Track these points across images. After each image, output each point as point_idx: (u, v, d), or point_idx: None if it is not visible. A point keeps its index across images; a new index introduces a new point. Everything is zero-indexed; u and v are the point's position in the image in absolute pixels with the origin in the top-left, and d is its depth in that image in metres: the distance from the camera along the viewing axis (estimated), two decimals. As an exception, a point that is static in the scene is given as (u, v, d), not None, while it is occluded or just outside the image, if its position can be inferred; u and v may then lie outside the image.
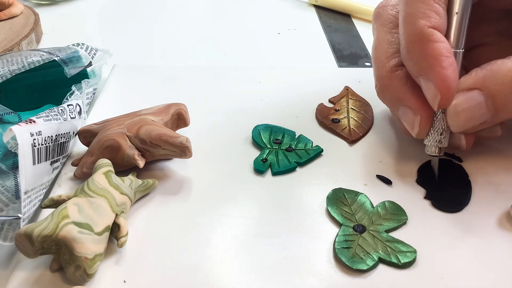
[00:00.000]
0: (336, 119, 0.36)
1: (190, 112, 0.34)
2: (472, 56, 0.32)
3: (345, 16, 0.58)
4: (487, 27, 0.33)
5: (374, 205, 0.29)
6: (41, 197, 0.30)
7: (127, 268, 0.26)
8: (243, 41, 0.52)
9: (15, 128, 0.26)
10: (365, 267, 0.26)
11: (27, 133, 0.27)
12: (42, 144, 0.28)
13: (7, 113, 0.34)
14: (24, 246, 0.25)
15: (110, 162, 0.30)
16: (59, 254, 0.25)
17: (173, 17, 0.59)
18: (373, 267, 0.26)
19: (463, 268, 0.26)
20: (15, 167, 0.32)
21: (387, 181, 0.31)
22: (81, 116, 0.35)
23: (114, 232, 0.27)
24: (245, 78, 0.42)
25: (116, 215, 0.27)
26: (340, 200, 0.30)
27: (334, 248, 0.27)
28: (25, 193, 0.27)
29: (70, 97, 0.35)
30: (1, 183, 0.31)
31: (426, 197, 0.30)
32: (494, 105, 0.28)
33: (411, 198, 0.30)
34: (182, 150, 0.30)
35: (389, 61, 0.31)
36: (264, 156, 0.33)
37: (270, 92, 0.40)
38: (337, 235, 0.27)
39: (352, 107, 0.38)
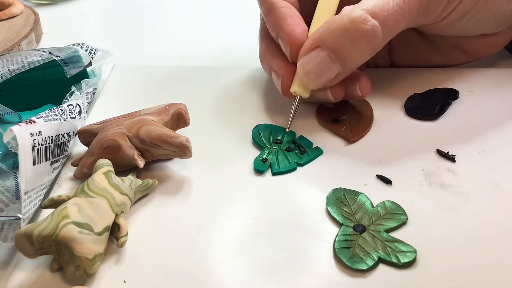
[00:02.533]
0: (336, 119, 0.36)
1: (190, 112, 0.34)
2: None
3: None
4: None
5: (374, 205, 0.29)
6: (41, 197, 0.30)
7: (127, 268, 0.26)
8: (243, 41, 0.52)
9: (15, 128, 0.26)
10: (365, 267, 0.26)
11: (27, 133, 0.27)
12: (42, 144, 0.28)
13: (7, 113, 0.34)
14: (24, 246, 0.25)
15: (110, 162, 0.30)
16: (59, 254, 0.25)
17: (173, 17, 0.59)
18: (373, 267, 0.26)
19: (463, 268, 0.26)
20: (15, 167, 0.32)
21: (387, 181, 0.31)
22: (81, 116, 0.35)
23: (114, 232, 0.27)
24: (245, 78, 0.42)
25: (116, 215, 0.27)
26: (340, 200, 0.30)
27: (334, 248, 0.27)
28: (25, 193, 0.27)
29: (70, 97, 0.35)
30: (1, 183, 0.31)
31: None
32: (338, 56, 0.31)
33: (411, 198, 0.30)
34: (182, 150, 0.30)
35: (263, 40, 0.38)
36: (264, 156, 0.33)
37: (270, 92, 0.40)
38: (337, 235, 0.27)
39: (352, 107, 0.38)
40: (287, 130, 0.35)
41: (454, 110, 0.37)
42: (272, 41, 0.36)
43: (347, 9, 0.32)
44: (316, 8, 0.35)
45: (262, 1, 0.36)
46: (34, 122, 0.28)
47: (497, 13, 0.36)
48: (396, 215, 0.29)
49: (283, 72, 0.34)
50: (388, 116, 0.37)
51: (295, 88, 0.34)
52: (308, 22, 0.35)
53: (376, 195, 0.30)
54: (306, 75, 0.32)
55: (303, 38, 0.33)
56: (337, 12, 0.34)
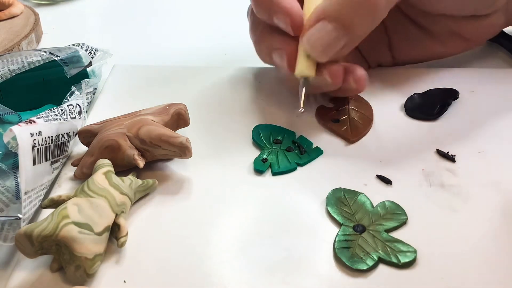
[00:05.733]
0: (336, 119, 0.36)
1: (190, 112, 0.34)
2: None
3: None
4: None
5: (374, 205, 0.29)
6: (41, 197, 0.30)
7: (127, 268, 0.26)
8: (243, 41, 0.52)
9: (15, 128, 0.26)
10: (365, 267, 0.26)
11: (27, 133, 0.27)
12: (42, 145, 0.28)
13: (7, 113, 0.34)
14: (24, 246, 0.25)
15: (110, 162, 0.30)
16: (59, 254, 0.25)
17: (173, 17, 0.59)
18: (373, 267, 0.26)
19: (463, 268, 0.26)
20: (15, 167, 0.32)
21: (387, 181, 0.31)
22: (81, 116, 0.35)
23: (114, 232, 0.27)
24: (245, 78, 0.42)
25: (116, 215, 0.27)
26: (340, 200, 0.30)
27: (334, 248, 0.27)
28: (25, 193, 0.27)
29: (70, 97, 0.35)
30: (1, 183, 0.31)
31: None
32: (342, 25, 0.31)
33: (411, 198, 0.30)
34: (182, 150, 0.30)
35: (256, 28, 0.38)
36: (264, 156, 0.33)
37: (270, 92, 0.40)
38: (337, 235, 0.27)
39: (352, 107, 0.38)
40: (301, 110, 0.33)
41: (454, 110, 0.37)
42: (268, 25, 0.36)
43: None
44: None
45: None
46: (34, 122, 0.28)
47: None
48: (396, 215, 0.29)
49: (287, 47, 0.34)
50: (388, 116, 0.37)
51: (298, 70, 0.33)
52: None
53: (376, 195, 0.30)
54: (313, 47, 0.32)
55: (301, 13, 0.33)
56: None
